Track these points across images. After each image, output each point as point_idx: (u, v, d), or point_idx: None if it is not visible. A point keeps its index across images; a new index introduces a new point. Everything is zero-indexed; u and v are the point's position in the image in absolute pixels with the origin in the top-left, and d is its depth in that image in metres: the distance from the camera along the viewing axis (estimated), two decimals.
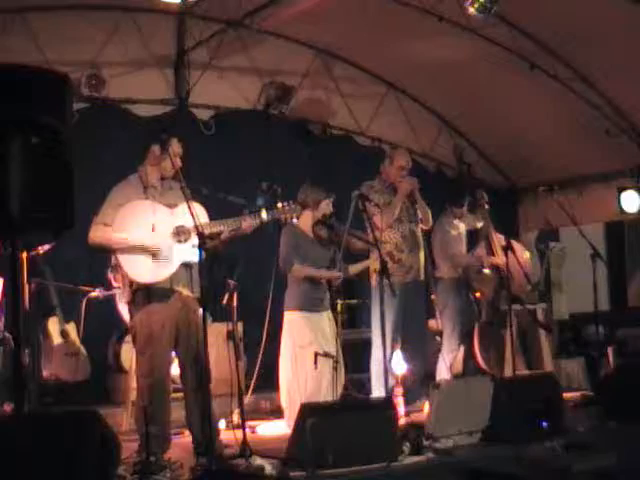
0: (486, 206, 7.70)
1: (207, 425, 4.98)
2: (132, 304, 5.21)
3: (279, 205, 5.44)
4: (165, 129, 5.45)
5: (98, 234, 5.12)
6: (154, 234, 5.11)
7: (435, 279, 7.51)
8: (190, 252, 5.06)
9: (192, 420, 5.23)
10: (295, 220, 5.96)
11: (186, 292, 5.23)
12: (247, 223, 5.29)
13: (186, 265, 5.18)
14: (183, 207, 5.01)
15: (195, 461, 4.92)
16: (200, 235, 4.78)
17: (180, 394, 5.38)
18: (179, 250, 5.14)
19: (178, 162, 5.25)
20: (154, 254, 5.10)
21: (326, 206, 6.38)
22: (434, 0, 7.57)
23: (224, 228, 5.25)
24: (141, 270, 5.11)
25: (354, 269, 6.68)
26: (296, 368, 6.35)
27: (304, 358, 6.32)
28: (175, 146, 5.29)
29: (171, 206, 5.18)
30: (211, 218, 5.29)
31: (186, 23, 8.09)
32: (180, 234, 5.13)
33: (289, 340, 6.38)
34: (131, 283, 5.15)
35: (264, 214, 5.33)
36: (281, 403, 6.43)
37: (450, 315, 7.48)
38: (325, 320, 6.45)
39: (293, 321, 6.39)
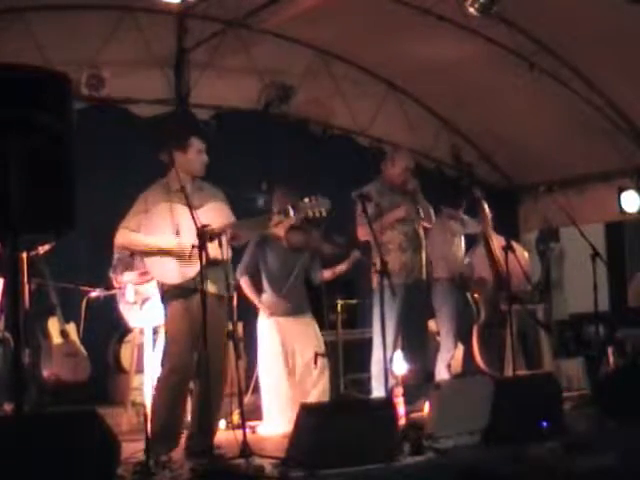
0: (485, 207, 7.69)
1: (211, 424, 5.01)
2: (163, 302, 5.36)
3: (305, 200, 5.32)
4: (179, 131, 5.51)
5: (124, 238, 5.27)
6: (179, 237, 5.20)
7: (432, 280, 7.51)
8: (215, 251, 5.07)
9: (197, 419, 5.26)
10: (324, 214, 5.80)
11: (213, 290, 5.25)
12: (275, 222, 5.34)
13: (213, 263, 5.17)
14: (208, 207, 5.19)
15: (195, 461, 4.92)
16: (200, 236, 4.81)
17: None
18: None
19: (204, 158, 5.40)
20: (179, 256, 5.16)
21: None
22: (434, 0, 7.57)
23: (249, 227, 5.37)
24: (167, 272, 5.23)
25: (329, 274, 6.71)
26: (266, 370, 6.41)
27: (271, 361, 6.42)
28: (196, 144, 5.39)
29: (197, 207, 5.20)
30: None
31: (186, 23, 8.09)
32: (205, 233, 5.14)
33: (260, 342, 6.51)
34: (162, 283, 5.29)
35: (291, 212, 5.30)
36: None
37: (447, 315, 7.48)
38: (300, 324, 6.49)
39: (263, 324, 6.52)
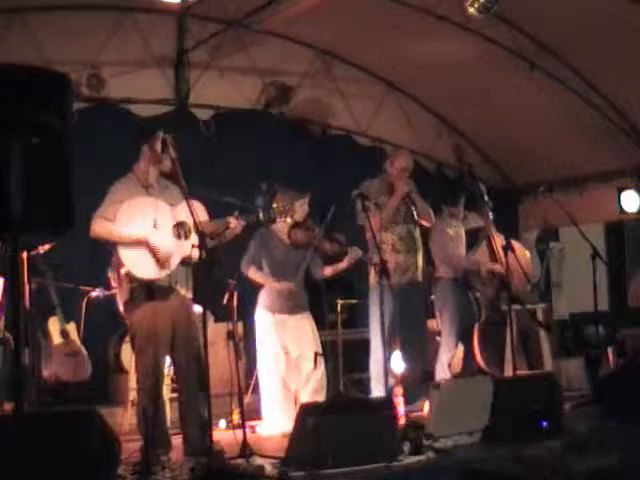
0: (486, 203, 7.66)
1: (205, 426, 4.98)
2: (130, 302, 5.20)
3: (274, 205, 5.44)
4: (162, 127, 5.44)
5: (100, 227, 5.13)
6: (156, 230, 5.13)
7: (434, 279, 7.51)
8: (190, 249, 5.06)
9: (187, 420, 5.24)
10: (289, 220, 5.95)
11: (184, 291, 5.23)
12: (232, 224, 5.31)
13: (185, 263, 5.18)
14: (183, 205, 5.03)
15: (195, 461, 4.91)
16: (201, 234, 4.79)
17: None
18: (179, 247, 5.14)
19: (172, 153, 5.21)
20: (154, 252, 5.10)
21: (300, 208, 6.32)
22: (434, 0, 7.57)
23: (225, 226, 5.27)
24: (142, 266, 5.11)
25: (329, 271, 6.70)
26: (264, 370, 6.42)
27: (265, 358, 6.43)
28: (169, 141, 5.28)
29: (171, 204, 5.18)
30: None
31: (186, 23, 8.09)
32: (181, 231, 5.13)
33: (258, 342, 6.52)
34: (130, 280, 5.14)
35: (261, 215, 5.36)
36: None
37: (448, 315, 7.47)
38: (297, 322, 6.49)
39: (260, 320, 6.50)
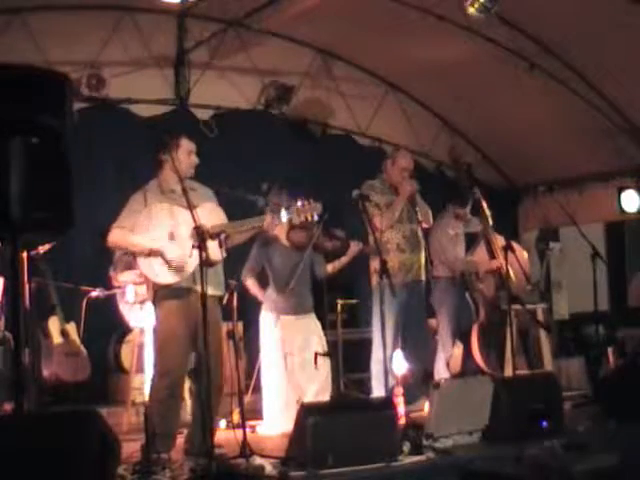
0: (484, 206, 7.67)
1: (211, 424, 4.99)
2: (154, 303, 5.28)
3: (298, 204, 5.35)
4: (169, 132, 5.45)
5: (116, 237, 5.21)
6: (171, 241, 5.16)
7: (432, 278, 7.51)
8: (211, 251, 5.05)
9: (196, 419, 5.25)
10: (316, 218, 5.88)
11: (209, 291, 5.22)
12: (267, 222, 5.30)
13: (209, 265, 5.16)
14: (202, 207, 5.10)
15: (195, 461, 4.91)
16: (200, 236, 4.79)
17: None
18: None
19: (194, 159, 5.34)
20: (169, 264, 5.13)
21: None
22: (434, 0, 7.57)
23: (243, 228, 5.28)
24: (159, 272, 5.16)
25: (331, 267, 6.71)
26: (267, 369, 6.42)
27: (272, 360, 6.43)
28: (185, 144, 5.33)
29: (193, 206, 5.17)
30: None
31: (186, 23, 8.09)
32: (204, 233, 5.12)
33: (262, 340, 6.53)
34: (154, 282, 5.21)
35: (283, 213, 5.28)
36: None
37: (446, 314, 7.48)
38: (301, 323, 6.49)
39: (264, 321, 6.52)
